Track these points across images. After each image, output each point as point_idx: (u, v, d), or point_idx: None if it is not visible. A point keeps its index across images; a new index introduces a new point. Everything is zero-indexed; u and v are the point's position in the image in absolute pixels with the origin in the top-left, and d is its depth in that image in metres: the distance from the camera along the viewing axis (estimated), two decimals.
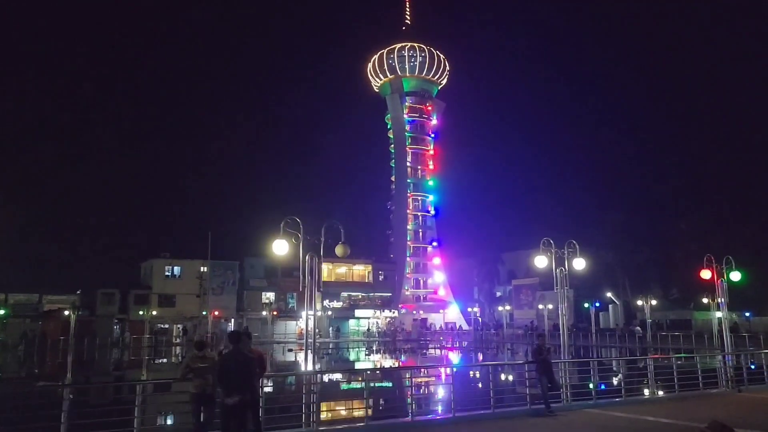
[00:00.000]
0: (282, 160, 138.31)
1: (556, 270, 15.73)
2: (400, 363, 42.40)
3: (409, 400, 13.27)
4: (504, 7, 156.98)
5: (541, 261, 15.71)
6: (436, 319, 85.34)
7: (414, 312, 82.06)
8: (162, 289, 62.44)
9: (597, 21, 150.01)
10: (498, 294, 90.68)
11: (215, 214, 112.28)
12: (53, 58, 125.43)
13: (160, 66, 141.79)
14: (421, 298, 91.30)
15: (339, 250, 11.96)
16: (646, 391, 16.02)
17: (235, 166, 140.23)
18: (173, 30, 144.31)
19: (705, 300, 44.26)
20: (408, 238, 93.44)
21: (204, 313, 56.48)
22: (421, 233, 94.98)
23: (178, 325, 62.04)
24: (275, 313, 63.42)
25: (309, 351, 12.42)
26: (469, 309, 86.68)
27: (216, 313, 58.03)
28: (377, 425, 11.57)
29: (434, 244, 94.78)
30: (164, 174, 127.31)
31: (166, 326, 61.91)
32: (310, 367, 12.39)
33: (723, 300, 17.63)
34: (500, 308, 72.67)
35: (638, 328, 43.41)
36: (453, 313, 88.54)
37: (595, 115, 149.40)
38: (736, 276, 17.37)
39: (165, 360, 49.46)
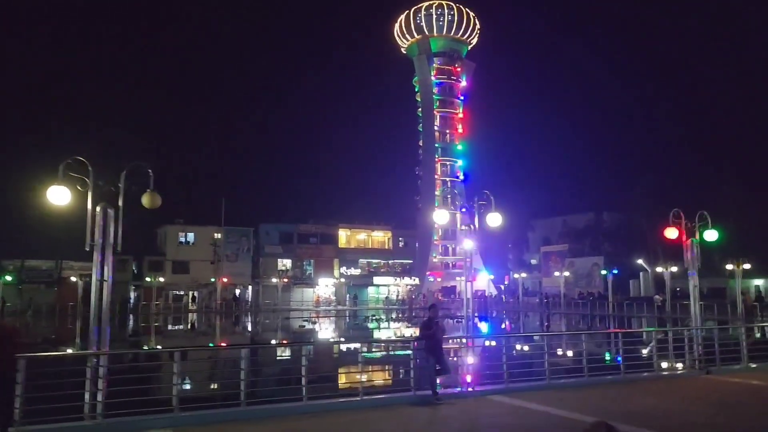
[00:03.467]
0: (305, 127, 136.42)
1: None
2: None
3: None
4: None
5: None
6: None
7: (432, 279, 79.85)
8: (175, 256, 62.28)
9: None
10: (533, 261, 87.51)
11: (230, 180, 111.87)
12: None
13: (181, 24, 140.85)
14: (450, 265, 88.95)
15: (146, 199, 9.82)
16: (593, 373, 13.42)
17: (254, 131, 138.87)
18: None
19: (747, 266, 40.44)
20: (436, 204, 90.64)
21: (212, 280, 55.92)
22: (449, 199, 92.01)
23: (193, 292, 61.93)
24: (286, 280, 62.38)
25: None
26: (516, 275, 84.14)
27: (225, 279, 57.39)
28: None
29: (463, 210, 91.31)
30: (178, 139, 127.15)
31: (181, 293, 61.83)
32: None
33: (694, 264, 14.65)
34: (516, 275, 69.43)
35: (657, 297, 40.08)
36: (483, 281, 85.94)
37: (624, 79, 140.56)
38: (711, 235, 14.37)
39: (180, 326, 49.29)
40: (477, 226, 13.57)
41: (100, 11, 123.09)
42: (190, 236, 63.59)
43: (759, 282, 52.68)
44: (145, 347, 31.45)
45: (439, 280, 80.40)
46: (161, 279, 59.07)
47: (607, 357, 20.58)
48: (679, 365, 14.89)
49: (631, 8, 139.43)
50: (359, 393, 10.43)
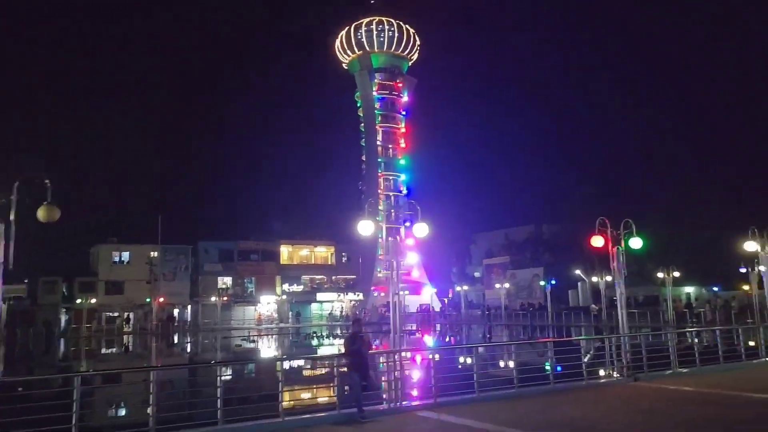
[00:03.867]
0: (246, 142, 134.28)
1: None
2: None
3: None
4: None
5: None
6: (411, 302, 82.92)
7: (377, 294, 79.55)
8: (109, 276, 59.72)
9: None
10: (476, 274, 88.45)
11: (168, 197, 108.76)
12: None
13: (125, 35, 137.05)
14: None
15: (42, 213, 9.08)
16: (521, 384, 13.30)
17: (194, 147, 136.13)
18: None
19: (677, 274, 41.88)
20: (380, 219, 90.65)
21: (148, 300, 53.78)
22: (393, 213, 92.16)
23: (128, 313, 59.43)
24: (226, 298, 60.75)
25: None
26: (458, 288, 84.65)
27: (161, 299, 55.31)
28: None
29: (407, 224, 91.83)
30: (114, 156, 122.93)
31: (115, 314, 59.23)
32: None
33: (620, 271, 14.87)
34: (458, 288, 70.08)
35: (593, 306, 41.06)
36: (427, 295, 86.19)
37: (561, 93, 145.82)
38: (636, 243, 14.62)
39: (113, 350, 47.13)
40: (403, 238, 13.24)
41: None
42: (125, 255, 61.12)
43: (690, 289, 54.82)
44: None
45: (383, 294, 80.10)
46: (93, 300, 56.36)
47: (547, 367, 20.72)
48: (611, 373, 15.04)
49: (570, 29, 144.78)
50: (280, 414, 9.91)
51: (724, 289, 49.83)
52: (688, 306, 38.61)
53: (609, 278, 41.46)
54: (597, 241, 14.42)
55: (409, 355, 17.03)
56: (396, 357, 11.35)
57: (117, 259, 61.04)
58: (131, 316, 58.25)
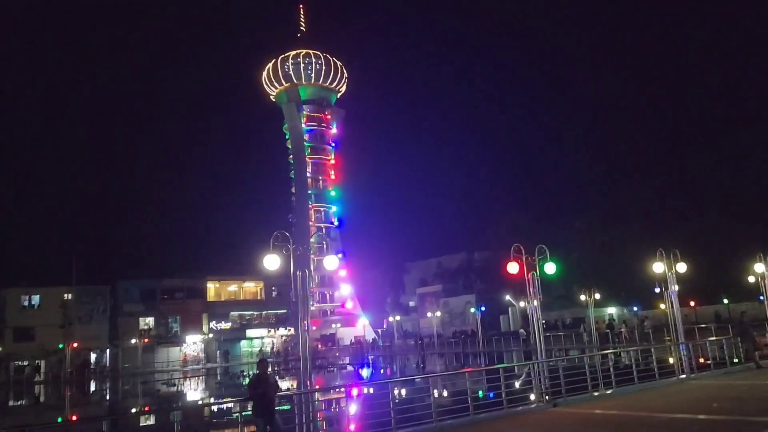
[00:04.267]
0: (169, 175, 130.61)
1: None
2: None
3: None
4: (399, 12, 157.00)
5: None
6: (346, 334, 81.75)
7: (315, 328, 78.02)
8: (18, 322, 55.62)
9: (496, 18, 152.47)
10: (411, 303, 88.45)
11: (83, 235, 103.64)
12: None
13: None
14: (329, 312, 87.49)
15: None
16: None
17: (112, 181, 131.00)
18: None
19: (598, 296, 43.04)
20: (311, 252, 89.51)
21: (60, 346, 50.33)
22: (325, 245, 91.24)
23: (39, 361, 55.30)
24: (146, 340, 57.77)
25: None
26: (390, 318, 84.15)
27: (75, 344, 51.92)
28: None
29: (339, 255, 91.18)
30: (22, 192, 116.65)
31: (25, 363, 54.96)
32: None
33: (536, 296, 14.97)
34: (391, 318, 69.84)
35: (522, 330, 41.71)
36: (361, 326, 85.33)
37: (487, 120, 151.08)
38: (550, 268, 14.76)
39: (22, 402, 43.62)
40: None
41: None
42: (35, 299, 57.19)
43: (612, 310, 56.71)
44: None
45: (315, 328, 78.59)
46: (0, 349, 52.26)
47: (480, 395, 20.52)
48: (535, 398, 14.96)
49: (497, 56, 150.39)
50: None
51: (643, 309, 51.82)
52: (610, 326, 39.72)
53: (535, 303, 42.28)
54: (512, 268, 14.45)
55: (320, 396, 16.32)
56: (305, 398, 10.76)
57: (26, 303, 57.02)
58: (43, 364, 54.22)
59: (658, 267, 18.36)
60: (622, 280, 55.45)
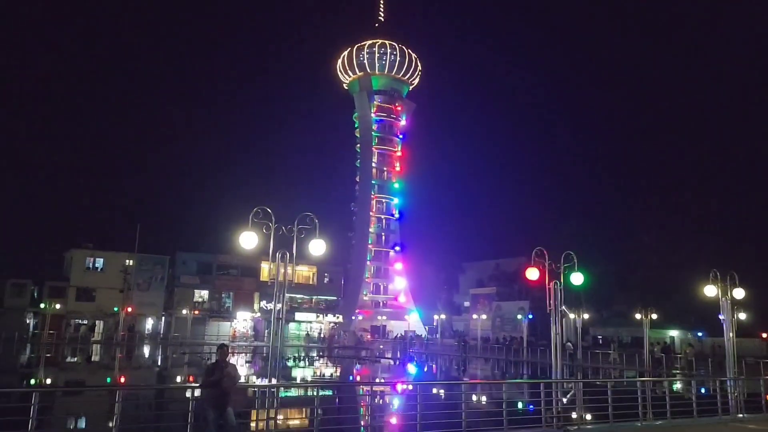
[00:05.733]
0: (238, 155, 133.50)
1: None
2: None
3: None
4: (479, 9, 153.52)
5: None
6: (397, 327, 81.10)
7: (361, 317, 77.82)
8: (81, 282, 58.22)
9: (577, 22, 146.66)
10: (466, 303, 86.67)
11: (149, 206, 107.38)
12: None
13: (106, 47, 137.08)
14: (381, 303, 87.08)
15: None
16: None
17: (181, 158, 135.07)
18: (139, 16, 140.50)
19: (655, 316, 40.13)
20: (369, 242, 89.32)
21: (116, 309, 52.21)
22: (383, 237, 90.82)
23: (98, 321, 57.79)
24: (197, 312, 59.06)
25: None
26: (435, 316, 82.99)
27: (129, 309, 53.72)
28: None
29: (397, 248, 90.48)
30: (93, 161, 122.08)
31: (84, 322, 57.57)
32: None
33: (559, 307, 13.45)
34: (436, 317, 68.33)
35: (569, 343, 39.40)
36: (413, 321, 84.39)
37: (558, 121, 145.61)
38: (577, 278, 13.23)
39: (75, 359, 45.55)
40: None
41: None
42: (99, 262, 59.71)
43: (675, 333, 53.03)
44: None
45: (361, 318, 78.38)
46: (58, 306, 54.78)
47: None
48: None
49: (567, 61, 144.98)
50: None
51: (709, 335, 48.02)
52: (665, 350, 36.79)
53: (586, 315, 40.01)
54: (532, 274, 13.03)
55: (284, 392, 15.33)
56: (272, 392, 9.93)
57: (90, 265, 59.61)
58: (101, 324, 56.57)
59: (710, 290, 16.32)
60: (690, 302, 51.68)
